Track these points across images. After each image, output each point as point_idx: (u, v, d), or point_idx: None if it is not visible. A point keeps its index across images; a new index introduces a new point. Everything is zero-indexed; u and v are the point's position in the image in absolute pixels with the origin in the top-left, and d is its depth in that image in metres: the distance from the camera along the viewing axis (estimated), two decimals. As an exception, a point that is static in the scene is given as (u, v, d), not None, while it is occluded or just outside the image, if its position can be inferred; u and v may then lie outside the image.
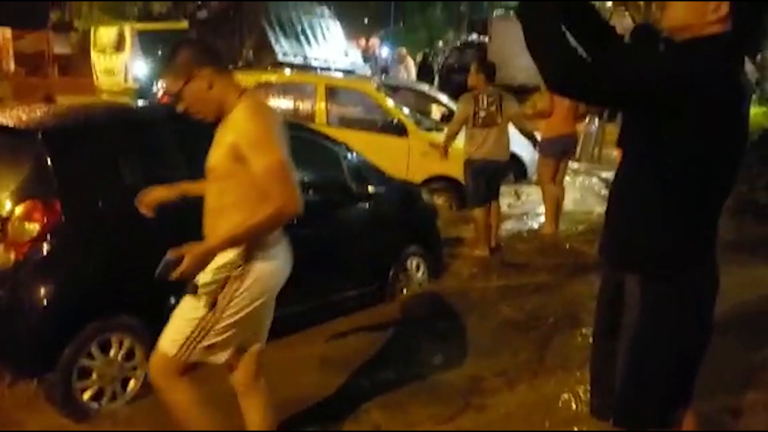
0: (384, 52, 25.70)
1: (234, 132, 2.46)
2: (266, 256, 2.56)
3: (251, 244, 2.50)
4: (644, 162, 2.09)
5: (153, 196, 2.87)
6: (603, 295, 2.40)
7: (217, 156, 2.53)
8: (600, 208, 8.27)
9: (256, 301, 2.58)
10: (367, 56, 21.79)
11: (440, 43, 34.93)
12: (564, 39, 2.02)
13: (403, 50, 19.08)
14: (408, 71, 16.94)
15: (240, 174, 2.45)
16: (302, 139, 4.91)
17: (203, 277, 2.52)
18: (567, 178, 7.81)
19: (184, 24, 18.19)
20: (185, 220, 3.82)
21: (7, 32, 23.65)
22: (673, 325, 2.11)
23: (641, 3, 13.43)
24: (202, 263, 2.44)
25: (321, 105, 8.36)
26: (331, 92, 8.51)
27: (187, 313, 2.57)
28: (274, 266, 2.61)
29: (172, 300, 3.65)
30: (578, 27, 2.26)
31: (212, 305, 2.51)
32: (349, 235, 4.93)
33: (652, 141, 2.03)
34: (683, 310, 2.11)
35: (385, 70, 20.16)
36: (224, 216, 2.52)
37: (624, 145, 2.26)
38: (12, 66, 23.30)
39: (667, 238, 2.09)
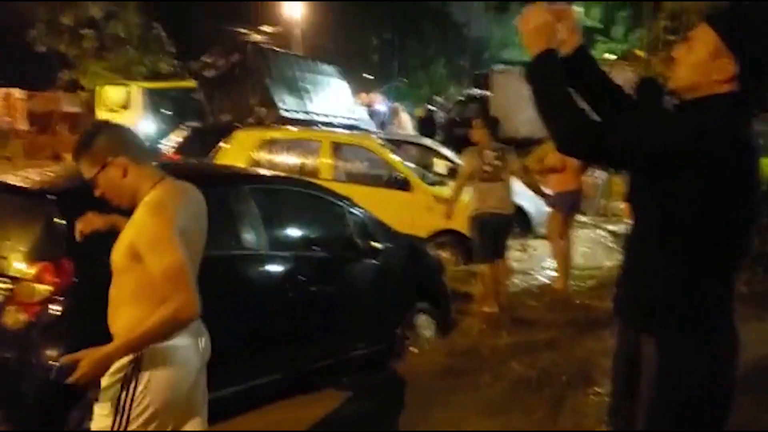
0: (381, 107, 26.11)
1: (133, 229, 2.40)
2: (164, 350, 2.42)
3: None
4: (655, 221, 2.07)
5: (85, 221, 2.83)
6: (620, 355, 2.34)
7: (117, 251, 2.47)
8: (609, 262, 8.23)
9: (163, 394, 2.42)
10: (370, 111, 22.08)
11: (439, 99, 35.48)
12: (572, 100, 2.03)
13: (397, 106, 19.38)
14: (401, 126, 17.13)
15: (138, 270, 2.38)
16: (307, 195, 4.95)
17: (104, 381, 2.42)
18: (575, 232, 7.77)
19: (190, 82, 18.50)
20: (198, 284, 3.87)
21: (19, 92, 24.13)
22: (692, 387, 2.05)
23: (643, 57, 13.61)
24: (100, 368, 2.32)
25: (326, 161, 8.41)
26: (336, 148, 8.57)
27: (97, 422, 2.46)
28: (174, 357, 2.45)
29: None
30: (586, 87, 2.27)
31: (117, 410, 2.39)
32: (354, 292, 4.88)
33: (662, 200, 2.01)
34: (702, 372, 2.05)
35: (382, 125, 20.40)
36: (122, 308, 2.47)
37: (634, 203, 2.23)
38: (24, 125, 23.67)
39: (682, 297, 2.04)
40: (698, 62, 2.03)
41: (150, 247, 2.33)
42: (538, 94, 2.06)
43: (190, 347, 2.52)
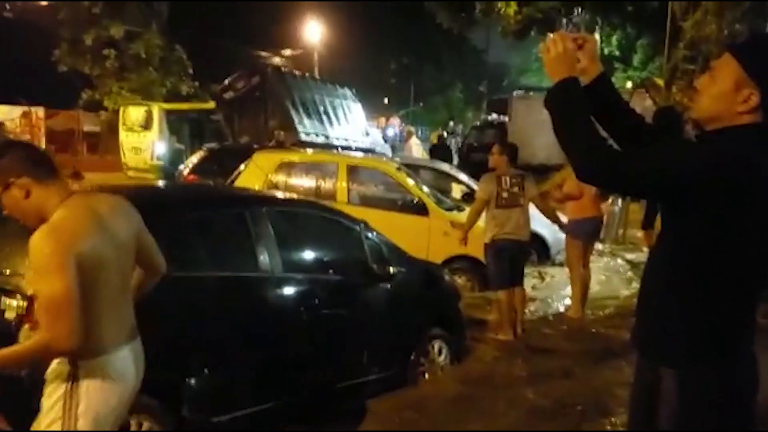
0: (390, 131, 26.31)
1: (30, 253, 2.37)
2: (100, 361, 2.45)
3: (81, 354, 2.40)
4: (675, 252, 2.05)
5: None
6: (638, 387, 2.31)
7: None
8: (625, 291, 8.15)
9: (97, 406, 2.45)
10: (384, 135, 22.27)
11: (451, 124, 35.65)
12: (593, 128, 2.03)
13: (411, 129, 19.53)
14: (407, 151, 17.20)
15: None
16: (323, 218, 4.95)
17: (44, 390, 2.49)
18: (592, 259, 7.71)
19: (210, 104, 18.70)
20: (209, 307, 3.89)
21: (41, 111, 24.55)
22: (713, 420, 2.03)
23: (662, 85, 13.60)
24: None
25: (342, 184, 8.42)
26: (352, 171, 8.58)
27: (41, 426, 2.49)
28: (110, 371, 2.48)
29: (191, 382, 3.66)
30: (606, 115, 2.26)
31: (57, 419, 2.44)
32: (369, 317, 4.85)
33: (683, 231, 2.00)
34: (723, 405, 2.03)
35: (393, 149, 20.51)
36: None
37: (646, 226, 2.21)
38: (43, 143, 24.00)
39: (702, 330, 2.02)
40: (721, 93, 2.02)
41: (38, 274, 2.33)
42: (559, 121, 2.07)
43: (127, 363, 2.55)
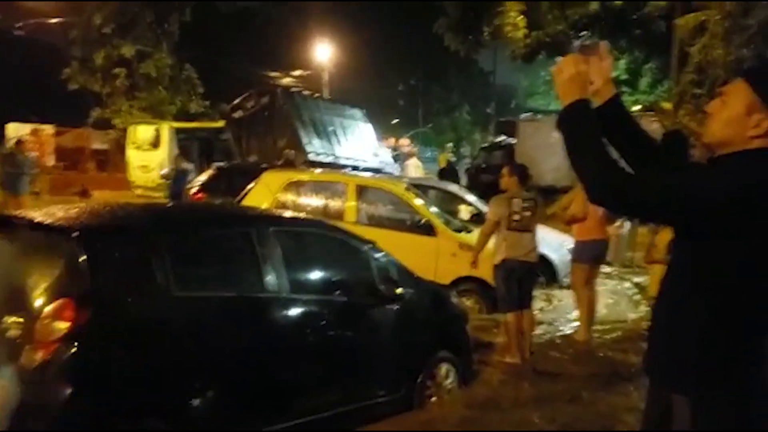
0: (403, 150, 26.44)
1: None
2: None
3: None
4: (688, 278, 2.04)
5: None
6: (649, 414, 2.28)
7: None
8: (633, 314, 8.09)
9: None
10: (395, 155, 22.36)
11: (449, 144, 35.68)
12: (605, 151, 2.02)
13: (411, 149, 19.60)
14: (407, 170, 17.22)
15: None
16: (331, 239, 4.94)
17: None
18: (599, 281, 7.66)
19: (219, 123, 18.81)
20: (215, 328, 3.87)
21: (50, 129, 24.75)
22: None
23: (669, 109, 13.60)
24: None
25: (351, 204, 8.42)
26: (361, 191, 8.58)
27: None
28: None
29: (198, 403, 3.63)
30: (619, 138, 2.25)
31: None
32: (375, 338, 4.82)
33: (696, 257, 1.99)
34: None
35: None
36: None
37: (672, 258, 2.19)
38: (52, 161, 24.16)
39: (717, 356, 1.99)
40: (732, 117, 2.02)
41: None
42: (570, 143, 2.06)
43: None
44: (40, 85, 26.27)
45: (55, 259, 3.68)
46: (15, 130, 21.54)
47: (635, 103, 22.58)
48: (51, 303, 3.41)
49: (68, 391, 3.34)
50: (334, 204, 8.50)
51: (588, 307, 6.95)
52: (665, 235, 5.48)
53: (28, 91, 26.06)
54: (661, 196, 1.96)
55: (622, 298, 9.08)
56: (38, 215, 3.98)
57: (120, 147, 21.87)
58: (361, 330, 4.73)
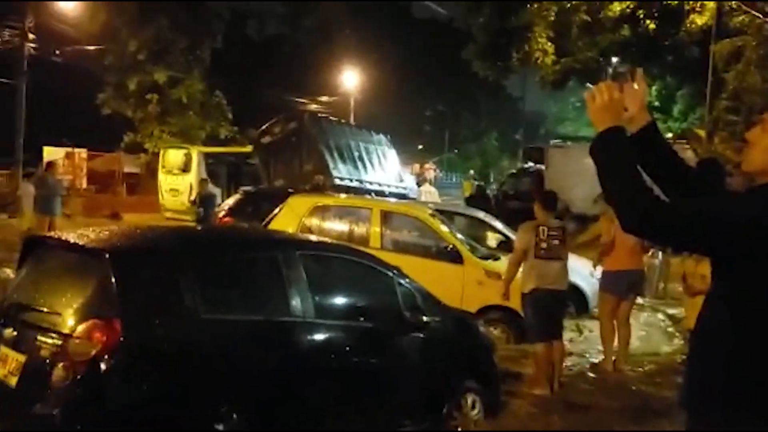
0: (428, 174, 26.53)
1: None
2: None
3: None
4: (728, 309, 1.96)
5: None
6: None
7: None
8: (666, 347, 7.89)
9: None
10: (419, 181, 22.41)
11: (471, 171, 35.70)
12: (640, 178, 2.00)
13: (426, 175, 19.60)
14: (420, 195, 17.17)
15: None
16: (356, 264, 4.87)
17: None
18: (632, 314, 7.47)
19: (247, 148, 18.99)
20: (240, 351, 3.83)
21: (83, 153, 25.23)
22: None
23: (703, 136, 13.41)
24: None
25: (375, 229, 8.35)
26: (386, 217, 8.52)
27: None
28: None
29: (223, 426, 3.57)
30: (654, 165, 2.21)
31: None
32: (400, 366, 4.72)
33: (735, 287, 1.93)
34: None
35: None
36: None
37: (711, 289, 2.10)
38: (84, 184, 24.58)
39: (744, 380, 1.91)
40: None
41: None
42: (603, 171, 2.03)
43: None
44: (75, 109, 26.87)
45: (87, 280, 3.74)
46: (51, 153, 21.98)
47: (668, 130, 22.41)
48: (82, 323, 3.45)
49: (98, 411, 3.36)
50: (359, 229, 8.44)
51: (612, 337, 6.78)
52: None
53: (63, 116, 26.68)
54: (688, 220, 1.92)
55: (655, 330, 8.87)
56: (70, 237, 4.06)
57: (150, 171, 22.21)
58: (386, 357, 4.64)
